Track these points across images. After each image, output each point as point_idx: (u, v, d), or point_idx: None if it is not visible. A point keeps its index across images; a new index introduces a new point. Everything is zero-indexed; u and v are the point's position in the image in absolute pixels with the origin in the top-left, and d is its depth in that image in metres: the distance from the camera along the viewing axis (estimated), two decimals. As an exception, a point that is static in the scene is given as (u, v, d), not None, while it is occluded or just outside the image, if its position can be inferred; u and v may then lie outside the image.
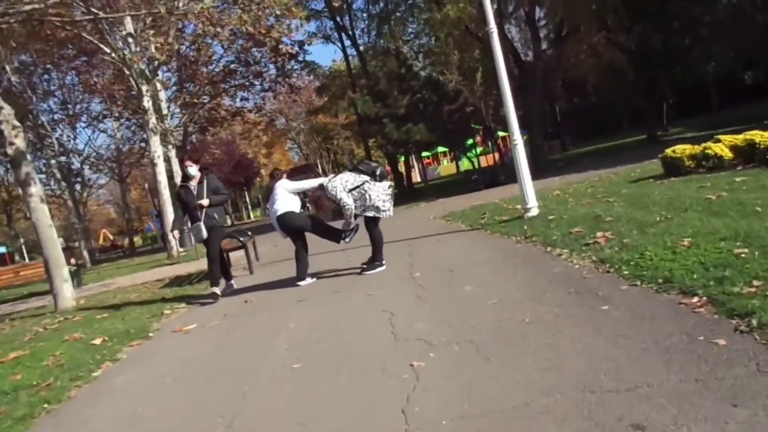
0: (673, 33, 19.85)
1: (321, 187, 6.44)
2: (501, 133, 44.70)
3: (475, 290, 4.46)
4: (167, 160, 23.17)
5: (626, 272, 3.95)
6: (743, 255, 3.59)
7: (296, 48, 26.25)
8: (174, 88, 25.67)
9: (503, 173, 18.07)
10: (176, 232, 7.25)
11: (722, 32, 19.62)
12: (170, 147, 22.92)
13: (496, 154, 37.63)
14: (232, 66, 26.50)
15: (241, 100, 28.40)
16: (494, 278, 4.73)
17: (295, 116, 45.27)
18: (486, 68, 25.78)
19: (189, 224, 6.81)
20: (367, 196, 6.21)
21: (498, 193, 14.30)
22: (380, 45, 27.04)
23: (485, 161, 42.76)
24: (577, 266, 4.51)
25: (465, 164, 43.16)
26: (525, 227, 6.84)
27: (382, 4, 25.74)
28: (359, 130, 23.94)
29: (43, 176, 27.96)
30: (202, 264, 10.55)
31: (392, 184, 6.59)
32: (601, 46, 21.24)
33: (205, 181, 6.72)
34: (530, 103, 21.31)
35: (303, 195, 6.86)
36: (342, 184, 6.26)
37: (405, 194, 24.90)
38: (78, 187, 33.85)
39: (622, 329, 2.97)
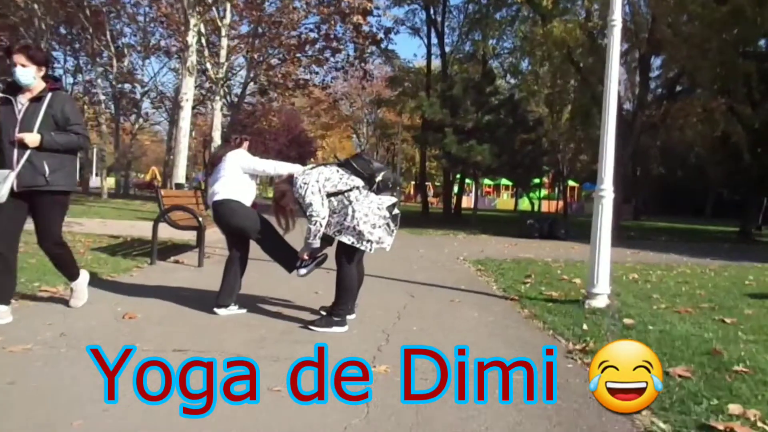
0: (811, 120, 16.58)
1: (290, 179, 4.09)
2: (571, 183, 41.56)
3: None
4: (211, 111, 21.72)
5: None
6: None
7: (381, 34, 24.53)
8: (241, 39, 24.36)
9: (564, 227, 15.39)
10: None
11: None
12: (218, 99, 21.45)
13: (561, 203, 34.64)
14: (311, 36, 24.96)
15: (311, 73, 26.98)
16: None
17: (362, 105, 43.33)
18: (578, 106, 23.02)
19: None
20: (350, 210, 3.82)
21: (553, 248, 11.70)
22: (468, 49, 24.61)
23: (547, 206, 39.74)
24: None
25: (524, 204, 40.28)
26: (584, 326, 4.33)
27: (480, 5, 23.14)
28: (420, 135, 21.62)
29: (104, 98, 27.14)
30: (176, 232, 8.36)
31: (397, 201, 4.11)
32: (719, 114, 18.13)
33: (45, 101, 3.60)
34: (618, 156, 18.50)
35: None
36: (319, 182, 3.89)
37: (448, 218, 22.64)
38: (132, 117, 33.41)
39: None
